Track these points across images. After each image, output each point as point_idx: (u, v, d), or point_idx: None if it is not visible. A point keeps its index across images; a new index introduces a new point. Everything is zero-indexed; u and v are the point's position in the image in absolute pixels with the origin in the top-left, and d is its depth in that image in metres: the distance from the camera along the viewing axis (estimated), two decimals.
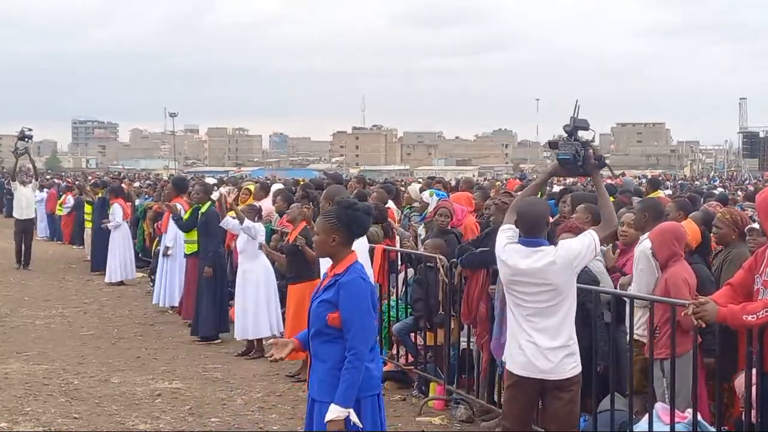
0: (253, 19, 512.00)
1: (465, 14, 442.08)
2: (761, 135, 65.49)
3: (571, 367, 5.78)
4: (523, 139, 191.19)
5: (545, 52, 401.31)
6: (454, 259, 8.41)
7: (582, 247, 5.79)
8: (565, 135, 5.96)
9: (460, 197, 12.63)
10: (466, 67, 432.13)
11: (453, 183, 20.87)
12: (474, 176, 59.18)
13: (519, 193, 6.97)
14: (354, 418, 4.88)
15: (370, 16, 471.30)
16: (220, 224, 11.65)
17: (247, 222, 11.16)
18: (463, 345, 8.71)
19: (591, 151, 5.93)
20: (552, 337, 5.72)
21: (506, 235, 5.95)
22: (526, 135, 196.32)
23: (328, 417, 4.84)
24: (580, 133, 5.98)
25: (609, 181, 13.12)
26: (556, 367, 5.72)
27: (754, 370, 5.65)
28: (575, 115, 5.95)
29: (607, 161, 6.36)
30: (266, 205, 14.06)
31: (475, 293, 8.08)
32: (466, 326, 8.58)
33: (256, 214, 11.55)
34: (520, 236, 5.86)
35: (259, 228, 11.34)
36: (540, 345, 5.72)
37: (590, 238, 5.84)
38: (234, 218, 11.29)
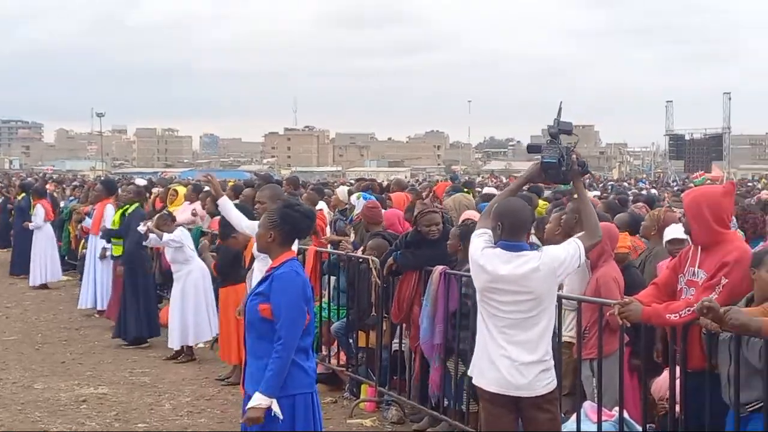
0: (181, 18, 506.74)
1: (396, 15, 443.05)
2: (687, 137, 66.70)
3: (547, 382, 5.37)
4: (455, 141, 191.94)
5: (476, 54, 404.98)
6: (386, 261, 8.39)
7: (566, 254, 5.44)
8: (548, 139, 5.67)
9: (399, 198, 12.64)
10: (398, 68, 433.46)
11: (384, 184, 20.82)
12: (406, 177, 59.40)
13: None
14: (276, 408, 4.89)
15: (300, 17, 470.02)
16: (144, 243, 11.64)
17: (165, 236, 11.04)
18: (395, 346, 8.69)
19: (574, 156, 5.64)
20: (529, 351, 5.31)
21: (483, 239, 5.54)
22: (458, 136, 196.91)
23: (250, 404, 4.89)
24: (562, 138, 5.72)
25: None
26: (531, 383, 5.31)
27: (678, 368, 5.74)
28: (558, 118, 5.67)
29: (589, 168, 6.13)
30: (198, 207, 13.93)
31: (407, 294, 8.08)
32: (398, 327, 8.57)
33: (170, 222, 11.42)
34: (500, 240, 5.45)
35: (179, 235, 11.16)
36: (516, 360, 5.31)
37: (575, 245, 5.47)
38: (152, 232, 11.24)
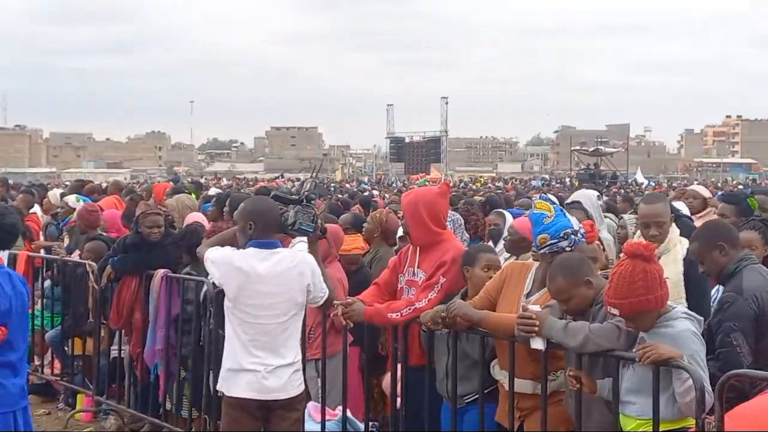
0: None
1: (111, 12, 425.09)
2: (407, 140, 69.19)
3: (298, 384, 5.44)
4: (177, 142, 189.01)
5: (198, 53, 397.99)
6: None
7: (316, 267, 5.51)
8: (304, 202, 5.53)
9: (109, 202, 12.24)
10: (116, 66, 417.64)
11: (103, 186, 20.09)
12: (126, 179, 57.89)
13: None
14: None
15: (10, 11, 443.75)
16: None
17: None
18: (114, 353, 8.40)
19: (319, 221, 5.66)
20: (282, 355, 5.34)
21: (226, 247, 5.49)
22: (180, 137, 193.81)
23: None
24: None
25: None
26: (284, 385, 5.33)
27: (399, 365, 5.89)
28: (315, 180, 5.61)
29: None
30: None
31: (127, 299, 7.84)
32: (117, 334, 8.29)
33: None
34: (251, 240, 5.38)
35: None
36: (270, 364, 5.30)
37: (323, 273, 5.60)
38: None
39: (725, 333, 4.72)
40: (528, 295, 5.24)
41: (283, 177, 58.97)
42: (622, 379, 4.49)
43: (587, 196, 8.10)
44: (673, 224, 6.21)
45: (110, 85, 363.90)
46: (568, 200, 8.63)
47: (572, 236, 5.15)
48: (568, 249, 5.11)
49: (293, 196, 5.68)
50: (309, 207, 5.55)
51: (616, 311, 4.39)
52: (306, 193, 5.69)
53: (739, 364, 4.55)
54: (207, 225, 8.64)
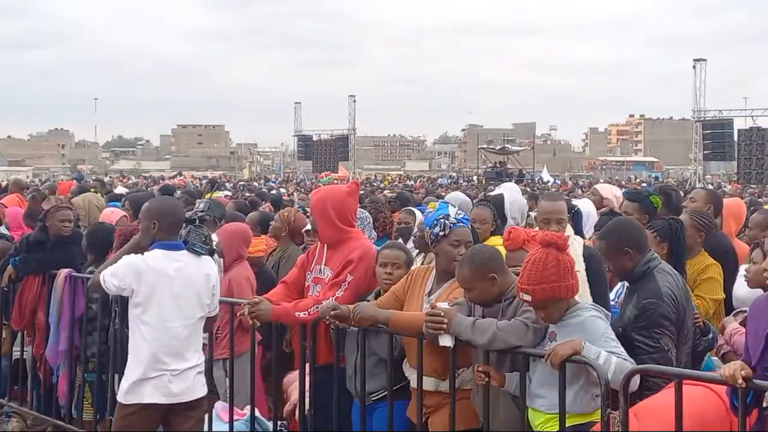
0: None
1: (11, 7, 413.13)
2: (315, 138, 68.94)
3: (202, 385, 5.48)
4: (81, 139, 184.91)
5: (101, 51, 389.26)
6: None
7: (218, 276, 5.57)
8: (196, 222, 5.54)
9: (12, 200, 12.02)
10: (15, 63, 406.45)
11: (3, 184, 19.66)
12: (28, 177, 56.63)
13: None
14: None
15: None
16: None
17: None
18: (16, 355, 8.23)
19: (214, 244, 5.68)
20: (187, 359, 5.35)
21: (133, 254, 5.43)
22: (83, 135, 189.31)
23: None
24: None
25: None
26: (189, 388, 5.35)
27: (308, 365, 5.88)
28: (210, 203, 5.60)
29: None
30: None
31: (29, 299, 7.69)
32: (20, 335, 8.12)
33: None
34: (156, 241, 5.36)
35: None
36: (176, 369, 5.29)
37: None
38: None
39: (654, 339, 4.74)
40: (429, 293, 5.31)
41: (182, 176, 58.29)
42: (533, 372, 4.55)
43: (507, 196, 8.07)
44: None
45: (11, 82, 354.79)
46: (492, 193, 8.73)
47: (442, 221, 5.29)
48: (441, 233, 5.26)
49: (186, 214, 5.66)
50: (201, 228, 5.54)
51: (528, 297, 4.45)
52: (200, 214, 5.70)
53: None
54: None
